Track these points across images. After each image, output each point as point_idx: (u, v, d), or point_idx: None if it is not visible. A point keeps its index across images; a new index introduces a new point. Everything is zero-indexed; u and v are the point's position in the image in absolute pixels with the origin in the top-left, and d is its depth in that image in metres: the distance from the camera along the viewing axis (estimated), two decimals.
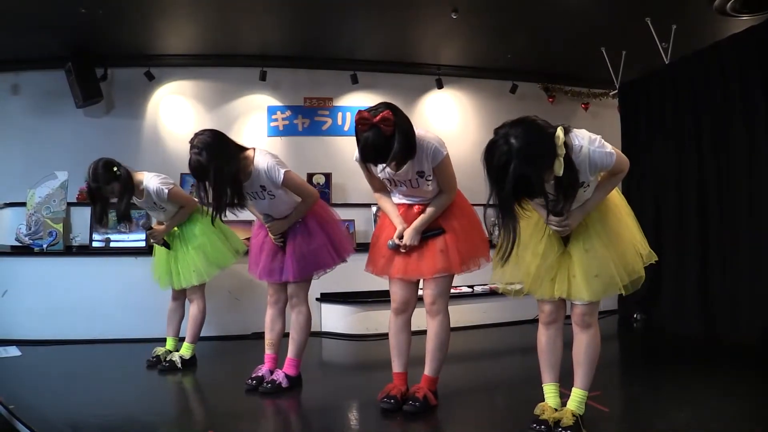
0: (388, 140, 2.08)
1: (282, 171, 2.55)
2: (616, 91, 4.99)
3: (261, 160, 2.56)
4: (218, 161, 2.38)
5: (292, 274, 2.70)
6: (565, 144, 1.73)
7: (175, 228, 3.27)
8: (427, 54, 5.23)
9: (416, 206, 2.44)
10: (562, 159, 1.70)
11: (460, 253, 2.39)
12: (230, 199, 2.45)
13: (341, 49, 5.12)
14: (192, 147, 2.42)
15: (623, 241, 2.04)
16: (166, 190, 3.10)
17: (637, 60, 4.81)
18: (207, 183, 2.42)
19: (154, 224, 3.38)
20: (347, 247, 2.82)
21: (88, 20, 4.20)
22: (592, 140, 1.84)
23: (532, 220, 2.08)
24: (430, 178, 2.35)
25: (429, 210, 2.40)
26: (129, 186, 3.07)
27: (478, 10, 4.27)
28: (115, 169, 3.00)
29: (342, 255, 2.79)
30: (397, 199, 2.51)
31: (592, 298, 2.02)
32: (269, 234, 2.74)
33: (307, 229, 2.71)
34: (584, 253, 1.98)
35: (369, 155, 2.16)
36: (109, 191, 3.01)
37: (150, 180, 3.11)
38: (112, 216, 4.48)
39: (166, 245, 3.26)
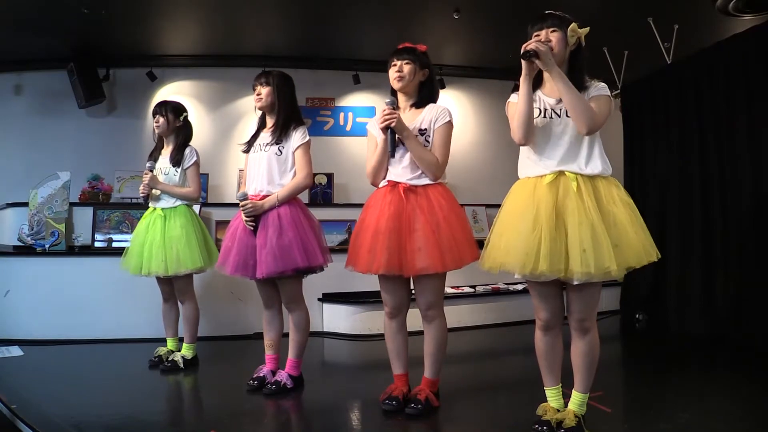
0: (422, 53, 2.61)
1: (308, 137, 2.79)
2: (619, 91, 4.97)
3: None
4: (290, 88, 2.91)
5: (266, 268, 2.59)
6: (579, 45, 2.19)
7: (160, 212, 3.24)
8: (429, 54, 5.22)
9: (401, 185, 2.39)
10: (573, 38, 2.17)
11: (441, 251, 2.28)
12: (284, 119, 2.80)
13: (343, 49, 5.12)
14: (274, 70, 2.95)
15: (620, 228, 1.96)
16: (195, 158, 3.30)
17: (639, 60, 4.80)
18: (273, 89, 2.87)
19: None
20: (318, 256, 2.66)
21: (90, 21, 4.22)
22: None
23: (523, 199, 2.06)
24: (429, 140, 2.40)
25: (418, 145, 2.38)
26: (189, 125, 3.41)
27: (480, 10, 4.27)
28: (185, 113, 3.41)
29: (311, 260, 2.63)
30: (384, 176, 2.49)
31: (583, 271, 1.90)
32: (242, 215, 2.68)
33: (281, 223, 2.63)
34: (578, 226, 1.93)
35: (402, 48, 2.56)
36: (175, 117, 3.33)
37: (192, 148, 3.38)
38: (115, 216, 4.55)
39: (146, 199, 3.26)
